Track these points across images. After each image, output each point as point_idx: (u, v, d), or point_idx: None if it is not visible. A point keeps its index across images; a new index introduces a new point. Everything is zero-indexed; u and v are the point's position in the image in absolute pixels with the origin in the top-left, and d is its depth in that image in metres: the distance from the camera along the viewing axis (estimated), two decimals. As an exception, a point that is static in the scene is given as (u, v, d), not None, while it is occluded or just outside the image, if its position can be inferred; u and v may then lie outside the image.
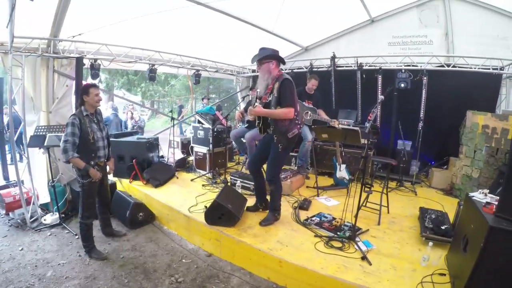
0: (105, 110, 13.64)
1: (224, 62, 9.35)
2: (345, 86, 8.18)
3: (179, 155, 7.72)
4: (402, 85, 6.96)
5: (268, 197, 4.73)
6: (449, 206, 5.08)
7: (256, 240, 3.99)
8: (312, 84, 6.53)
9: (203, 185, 6.13)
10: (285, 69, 8.38)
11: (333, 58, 8.01)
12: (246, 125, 7.18)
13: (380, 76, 7.57)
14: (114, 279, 3.73)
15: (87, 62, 6.02)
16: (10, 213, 5.24)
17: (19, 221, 5.13)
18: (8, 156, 7.85)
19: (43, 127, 5.18)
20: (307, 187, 6.29)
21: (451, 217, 4.34)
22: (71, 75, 5.78)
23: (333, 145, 6.67)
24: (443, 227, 3.93)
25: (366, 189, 4.43)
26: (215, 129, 6.73)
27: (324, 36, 8.79)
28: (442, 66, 6.95)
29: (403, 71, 7.05)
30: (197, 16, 6.06)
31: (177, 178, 6.56)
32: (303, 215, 4.79)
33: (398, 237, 4.19)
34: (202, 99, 16.00)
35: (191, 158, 7.54)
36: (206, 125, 6.87)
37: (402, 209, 5.24)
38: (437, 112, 7.26)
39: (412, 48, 7.71)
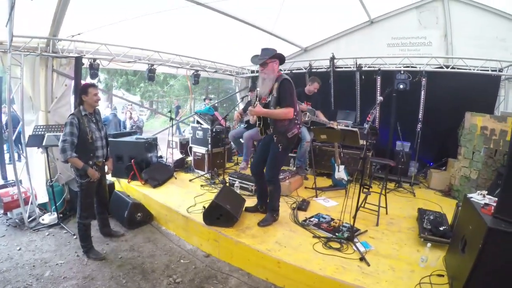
0: (104, 110, 13.66)
1: (223, 62, 9.35)
2: (344, 87, 8.20)
3: (177, 155, 7.71)
4: (401, 86, 6.98)
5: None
6: (448, 207, 5.08)
7: (254, 241, 3.99)
8: (314, 87, 6.52)
9: (201, 186, 6.12)
10: (284, 70, 8.38)
11: (332, 59, 8.03)
12: (245, 126, 7.19)
13: (379, 77, 7.58)
14: (112, 279, 3.72)
15: (86, 62, 6.01)
16: (8, 213, 5.21)
17: (17, 220, 5.11)
18: (7, 156, 7.85)
19: (41, 127, 5.17)
20: (305, 188, 6.29)
21: (450, 218, 4.34)
22: (70, 75, 5.78)
23: (332, 146, 6.67)
24: (441, 228, 3.93)
25: (365, 190, 4.43)
26: (214, 130, 6.73)
27: (323, 37, 8.80)
28: (441, 67, 6.96)
29: (402, 72, 7.07)
30: (197, 16, 6.06)
31: (176, 178, 6.55)
32: (302, 216, 4.78)
33: (397, 238, 4.19)
34: (204, 99, 16.01)
35: (190, 158, 7.53)
36: (205, 126, 6.86)
37: (401, 210, 5.25)
38: (436, 114, 7.27)
39: (411, 49, 7.73)
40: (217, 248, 4.27)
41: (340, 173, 6.11)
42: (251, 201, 5.10)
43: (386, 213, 5.00)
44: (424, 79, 7.10)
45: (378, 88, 7.64)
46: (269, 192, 4.57)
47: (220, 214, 4.30)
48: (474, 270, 2.51)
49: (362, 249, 3.74)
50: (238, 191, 5.52)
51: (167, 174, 6.41)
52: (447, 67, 6.89)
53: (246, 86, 10.49)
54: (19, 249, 4.34)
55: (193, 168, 7.22)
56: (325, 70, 8.33)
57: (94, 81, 6.14)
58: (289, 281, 3.55)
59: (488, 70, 6.59)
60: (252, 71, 9.97)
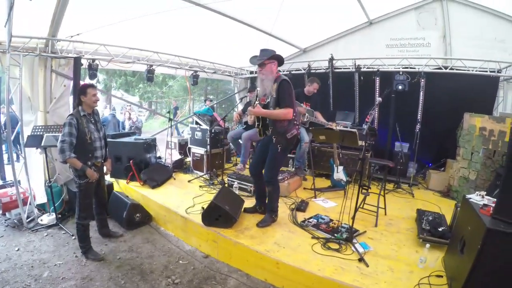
0: (102, 110, 13.67)
1: (222, 63, 9.35)
2: (343, 88, 8.22)
3: (176, 156, 7.70)
4: (400, 87, 7.00)
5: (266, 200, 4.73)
6: (446, 208, 5.09)
7: (253, 242, 3.99)
8: (314, 88, 6.52)
9: (200, 186, 6.12)
10: (283, 71, 8.39)
11: (331, 60, 8.04)
12: (243, 127, 7.19)
13: (378, 78, 7.59)
14: (110, 280, 3.71)
15: (85, 62, 6.00)
16: (7, 213, 5.21)
17: (15, 221, 5.10)
18: (5, 156, 7.82)
19: (40, 127, 5.17)
20: (304, 188, 6.29)
21: (448, 219, 4.34)
22: (69, 75, 5.77)
23: (331, 146, 6.67)
24: (440, 229, 3.93)
25: (364, 190, 4.44)
26: (213, 130, 6.72)
27: (322, 38, 8.81)
28: (440, 68, 6.97)
29: (400, 73, 7.09)
30: (196, 17, 6.06)
31: (174, 179, 6.54)
32: (300, 216, 4.78)
33: (395, 239, 4.20)
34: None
35: (189, 159, 7.53)
36: (204, 126, 6.86)
37: (399, 211, 5.25)
38: (435, 114, 7.29)
39: (410, 50, 7.75)
40: (216, 249, 4.27)
41: (339, 174, 6.11)
42: (250, 202, 5.10)
43: (385, 214, 5.00)
44: (423, 80, 7.12)
45: (377, 89, 7.65)
46: (268, 193, 4.56)
47: (219, 215, 4.29)
48: (473, 271, 2.52)
49: (361, 250, 3.74)
50: (237, 192, 5.52)
51: (166, 175, 6.40)
52: (446, 68, 6.90)
53: (245, 87, 10.49)
54: (18, 250, 4.33)
55: (192, 169, 7.21)
56: (324, 71, 8.34)
57: (93, 82, 6.12)
58: (288, 282, 3.55)
59: (486, 71, 6.60)
60: (251, 72, 9.97)
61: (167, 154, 7.38)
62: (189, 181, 6.47)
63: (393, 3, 7.49)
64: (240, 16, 6.48)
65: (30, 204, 5.20)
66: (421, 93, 7.26)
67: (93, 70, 6.09)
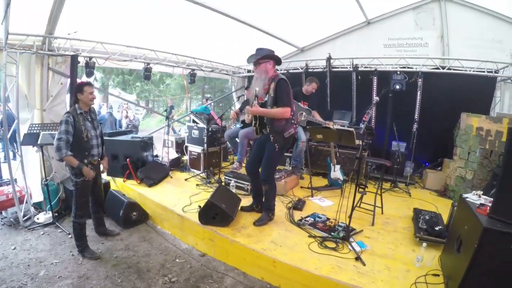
0: (99, 107, 13.64)
1: (219, 61, 9.34)
2: (340, 87, 8.24)
3: (173, 154, 7.69)
4: (397, 86, 7.01)
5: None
6: (443, 207, 5.10)
7: (250, 240, 3.99)
8: (312, 88, 6.53)
9: (197, 185, 6.11)
10: (281, 70, 8.40)
11: (328, 59, 8.04)
12: (241, 126, 7.18)
13: (375, 77, 7.62)
14: (107, 278, 3.71)
15: (82, 60, 5.98)
16: (3, 212, 5.19)
17: (12, 220, 5.08)
18: (1, 154, 7.80)
19: (36, 125, 5.14)
20: (301, 187, 6.29)
21: (445, 218, 4.35)
22: (66, 73, 5.74)
23: (328, 145, 6.68)
24: (437, 228, 3.94)
25: (360, 189, 4.44)
26: (210, 129, 6.71)
27: (320, 37, 8.81)
28: (437, 68, 6.99)
29: (398, 73, 7.10)
30: (193, 15, 6.04)
31: (171, 177, 6.53)
32: (297, 215, 4.79)
33: (392, 238, 4.20)
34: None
35: (186, 157, 7.53)
36: (201, 125, 6.85)
37: (396, 210, 5.26)
38: (432, 114, 7.30)
39: (408, 50, 7.76)
40: (213, 248, 4.26)
41: (336, 172, 6.12)
42: (246, 201, 5.10)
43: (382, 213, 5.01)
44: (420, 80, 7.14)
45: (374, 89, 7.68)
46: (265, 192, 4.57)
47: (215, 213, 4.29)
48: (469, 270, 2.52)
49: (357, 248, 3.75)
50: (233, 190, 5.50)
51: (163, 173, 6.39)
52: (443, 68, 6.91)
53: (243, 86, 10.48)
54: (14, 249, 4.32)
55: (188, 167, 7.21)
56: (322, 70, 8.34)
57: (90, 80, 6.10)
58: (284, 281, 3.55)
59: (484, 71, 6.63)
60: (249, 71, 9.97)
61: (164, 152, 7.37)
62: (186, 179, 6.46)
63: (391, 3, 7.50)
64: (238, 15, 6.47)
65: (26, 202, 5.19)
66: (419, 93, 7.29)
67: (90, 68, 6.07)
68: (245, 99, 7.52)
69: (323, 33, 8.61)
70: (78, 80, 5.60)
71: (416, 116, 7.35)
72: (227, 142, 7.74)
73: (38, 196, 5.48)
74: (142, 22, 5.98)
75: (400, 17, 7.74)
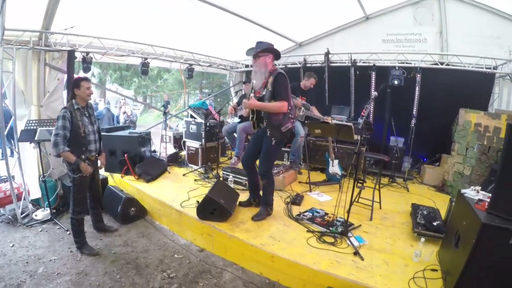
0: (95, 105, 13.59)
1: (217, 56, 9.32)
2: (339, 82, 8.23)
3: (171, 149, 7.68)
4: (396, 82, 7.01)
5: (261, 193, 4.72)
6: (441, 203, 5.11)
7: (248, 235, 3.99)
8: (310, 83, 6.53)
9: (195, 180, 6.11)
10: (279, 65, 8.36)
11: (327, 54, 8.02)
12: (238, 121, 7.17)
13: (373, 72, 7.63)
14: (106, 275, 3.70)
15: (79, 56, 5.95)
16: (1, 209, 5.15)
17: (10, 217, 5.06)
18: (-1, 151, 7.76)
19: (34, 121, 5.12)
20: (299, 182, 6.30)
21: (443, 213, 4.37)
22: (63, 69, 5.71)
23: (326, 140, 6.68)
24: (435, 223, 3.95)
25: (359, 184, 4.46)
26: (208, 124, 6.70)
27: (318, 32, 8.78)
28: (436, 64, 6.98)
29: (396, 68, 7.09)
30: (191, 9, 6.00)
31: (169, 173, 6.53)
32: (296, 210, 4.79)
33: (390, 233, 4.21)
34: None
35: (184, 152, 7.51)
36: (199, 120, 6.83)
37: (394, 205, 5.27)
38: (430, 110, 7.31)
39: (406, 45, 7.74)
40: (211, 243, 4.27)
41: (334, 167, 6.13)
42: (245, 195, 5.10)
43: (380, 208, 5.02)
44: (418, 75, 7.14)
45: (373, 84, 7.69)
46: (263, 187, 4.56)
47: (214, 208, 4.29)
48: (467, 265, 2.52)
49: (356, 243, 3.75)
50: (232, 185, 5.51)
51: (161, 169, 6.38)
52: (442, 63, 6.91)
53: (240, 81, 10.47)
54: (12, 246, 4.30)
55: (186, 163, 7.20)
56: (320, 65, 8.33)
57: (88, 75, 6.08)
58: (283, 276, 3.56)
59: (482, 68, 6.62)
60: (247, 66, 9.94)
61: (162, 147, 7.36)
62: (184, 174, 6.46)
63: (390, -2, 7.48)
64: (236, 9, 6.43)
65: (24, 199, 5.16)
66: (417, 88, 7.29)
67: (87, 63, 6.05)
68: (243, 93, 7.51)
69: (322, 28, 8.58)
70: (75, 76, 5.56)
71: (415, 111, 7.36)
72: (225, 137, 7.73)
73: (36, 193, 5.45)
74: (140, 17, 5.94)
75: (399, 12, 7.70)
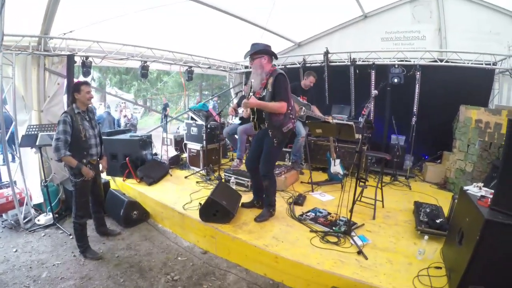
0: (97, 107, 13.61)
1: (216, 58, 9.31)
2: (339, 81, 8.22)
3: (172, 152, 7.68)
4: (396, 80, 7.00)
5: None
6: (443, 200, 5.11)
7: (251, 236, 3.99)
8: (310, 81, 6.51)
9: (197, 182, 6.11)
10: (278, 65, 8.36)
11: (326, 53, 8.02)
12: (239, 122, 7.16)
13: (373, 71, 7.61)
14: (109, 278, 3.70)
15: (78, 60, 5.95)
16: (3, 215, 5.16)
17: (12, 222, 5.06)
18: (0, 157, 7.76)
19: (34, 126, 5.12)
20: (301, 182, 6.30)
21: (446, 210, 4.37)
22: (63, 73, 5.72)
23: (327, 140, 6.68)
24: (438, 221, 3.94)
25: (361, 183, 4.45)
26: (209, 126, 6.70)
27: (317, 31, 8.78)
28: (435, 61, 6.97)
29: (396, 66, 7.08)
30: (190, 12, 6.01)
31: (171, 175, 6.53)
32: (298, 210, 4.79)
33: (394, 231, 4.21)
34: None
35: (185, 155, 7.51)
36: (200, 122, 6.83)
37: (397, 203, 5.27)
38: (431, 107, 7.30)
39: (405, 43, 7.74)
40: (214, 245, 4.26)
41: (336, 167, 6.12)
42: (247, 197, 5.11)
43: (383, 207, 5.02)
44: (418, 73, 7.13)
45: (373, 82, 7.68)
46: (265, 187, 4.55)
47: (216, 210, 4.29)
48: (471, 262, 2.52)
49: (359, 242, 3.75)
50: (234, 187, 5.51)
51: (162, 171, 6.38)
52: (441, 60, 6.90)
53: (240, 82, 10.48)
54: (16, 251, 4.30)
55: (188, 165, 7.20)
56: (319, 64, 8.33)
57: (87, 79, 6.08)
58: (287, 276, 3.56)
59: (482, 64, 6.60)
60: (246, 67, 9.93)
61: (163, 150, 7.36)
62: (185, 177, 6.45)
63: (388, -4, 7.48)
64: (235, 11, 6.44)
65: (26, 204, 5.17)
66: (417, 86, 7.28)
67: (86, 67, 6.04)
68: (243, 94, 7.50)
69: (320, 27, 8.58)
70: (75, 80, 5.56)
71: (415, 109, 7.35)
72: (226, 139, 7.73)
73: (38, 197, 5.45)
74: (139, 20, 5.94)
75: (397, 10, 7.71)
